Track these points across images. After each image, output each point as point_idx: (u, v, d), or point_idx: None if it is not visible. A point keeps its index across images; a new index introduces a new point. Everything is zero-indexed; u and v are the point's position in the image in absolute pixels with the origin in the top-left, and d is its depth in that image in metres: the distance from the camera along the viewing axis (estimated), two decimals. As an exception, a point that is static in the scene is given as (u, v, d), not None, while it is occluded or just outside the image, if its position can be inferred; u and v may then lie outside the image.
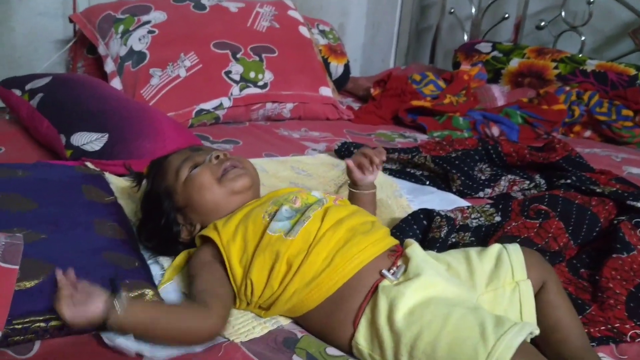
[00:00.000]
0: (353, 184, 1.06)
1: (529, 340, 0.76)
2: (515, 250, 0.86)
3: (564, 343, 0.80)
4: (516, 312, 0.81)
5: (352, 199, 1.05)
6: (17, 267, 0.77)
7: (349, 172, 1.06)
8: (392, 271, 0.80)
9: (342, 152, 1.54)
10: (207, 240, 0.88)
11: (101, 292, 0.71)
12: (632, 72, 2.15)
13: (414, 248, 0.85)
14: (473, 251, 0.87)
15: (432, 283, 0.78)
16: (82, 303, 0.69)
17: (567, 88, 2.16)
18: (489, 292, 0.82)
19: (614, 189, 1.25)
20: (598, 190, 1.25)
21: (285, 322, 0.83)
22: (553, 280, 0.86)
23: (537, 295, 0.84)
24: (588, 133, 2.07)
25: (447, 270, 0.84)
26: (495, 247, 0.87)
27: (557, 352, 0.79)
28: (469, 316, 0.73)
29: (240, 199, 0.94)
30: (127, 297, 0.73)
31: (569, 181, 1.32)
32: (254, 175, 0.98)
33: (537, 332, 0.76)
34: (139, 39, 1.83)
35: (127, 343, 0.72)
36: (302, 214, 0.86)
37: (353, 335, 0.77)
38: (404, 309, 0.74)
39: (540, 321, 0.81)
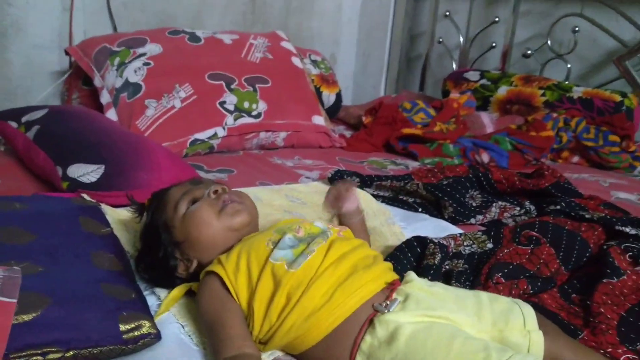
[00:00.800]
0: (339, 217, 1.08)
1: None
2: (526, 305, 0.84)
3: None
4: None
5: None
6: (14, 300, 0.77)
7: (334, 209, 1.06)
8: (384, 304, 0.80)
9: (335, 179, 1.55)
10: (212, 274, 0.88)
11: None
12: (618, 98, 2.20)
13: (414, 284, 0.84)
14: (484, 294, 0.87)
15: (433, 307, 0.79)
16: None
17: (555, 115, 2.20)
18: (495, 331, 0.81)
19: (603, 214, 1.28)
20: (587, 216, 1.27)
21: (281, 353, 0.84)
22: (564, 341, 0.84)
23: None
24: (576, 158, 2.11)
25: (455, 300, 0.83)
26: (506, 298, 0.86)
27: None
28: (473, 341, 0.73)
29: (238, 235, 0.95)
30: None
31: (558, 207, 1.34)
32: (252, 211, 0.99)
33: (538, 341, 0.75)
34: (135, 71, 1.86)
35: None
36: (307, 246, 0.87)
37: None
38: (405, 333, 0.75)
39: None
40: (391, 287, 0.85)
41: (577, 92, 2.27)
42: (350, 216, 1.07)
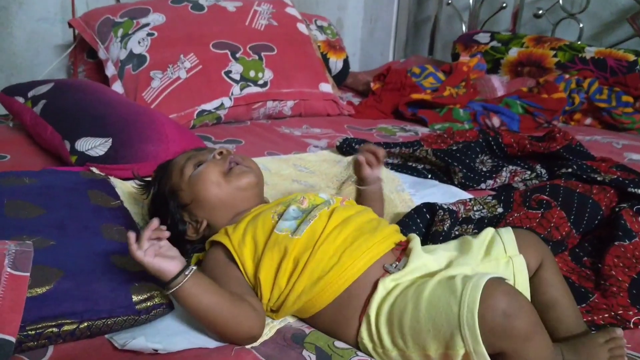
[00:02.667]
0: (360, 180, 1.06)
1: None
2: (506, 230, 0.88)
3: (559, 321, 0.82)
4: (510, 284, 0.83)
5: (361, 197, 1.06)
6: (28, 274, 0.78)
7: (357, 169, 1.05)
8: (394, 265, 0.82)
9: (344, 148, 1.55)
10: (218, 244, 0.89)
11: (181, 258, 0.77)
12: (632, 58, 2.15)
13: (415, 242, 0.87)
14: (468, 236, 0.90)
15: (423, 265, 0.81)
16: (163, 257, 0.74)
17: (567, 76, 2.16)
18: (484, 264, 0.84)
19: (615, 176, 1.26)
20: (599, 178, 1.26)
21: (292, 319, 0.85)
22: (549, 259, 0.88)
23: (535, 274, 0.86)
24: (589, 120, 2.08)
25: (446, 252, 0.86)
26: (488, 230, 0.89)
27: (553, 330, 0.81)
28: (444, 279, 0.75)
29: (245, 195, 0.95)
30: (197, 270, 0.76)
31: (570, 170, 1.32)
32: (258, 174, 1.00)
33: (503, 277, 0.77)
34: (139, 42, 1.84)
35: (141, 343, 0.74)
36: (309, 214, 0.87)
37: (358, 329, 0.79)
38: (393, 295, 0.77)
39: (536, 299, 0.83)
40: (400, 247, 0.86)
41: (590, 52, 2.23)
42: (373, 182, 1.05)
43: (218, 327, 0.76)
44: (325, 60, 2.33)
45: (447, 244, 0.90)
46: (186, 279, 0.74)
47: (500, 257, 0.85)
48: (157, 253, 0.74)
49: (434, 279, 0.76)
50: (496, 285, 0.71)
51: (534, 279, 0.85)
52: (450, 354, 0.70)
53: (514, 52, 2.38)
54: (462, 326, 0.69)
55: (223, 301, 0.76)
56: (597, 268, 1.00)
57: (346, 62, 2.47)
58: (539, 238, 0.92)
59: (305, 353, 0.76)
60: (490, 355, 0.69)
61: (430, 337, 0.71)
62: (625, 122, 1.98)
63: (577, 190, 1.18)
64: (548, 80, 2.14)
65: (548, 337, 0.73)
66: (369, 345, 0.78)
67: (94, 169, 1.21)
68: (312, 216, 0.87)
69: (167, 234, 0.77)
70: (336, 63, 2.42)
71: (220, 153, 0.98)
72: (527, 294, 0.83)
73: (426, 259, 0.83)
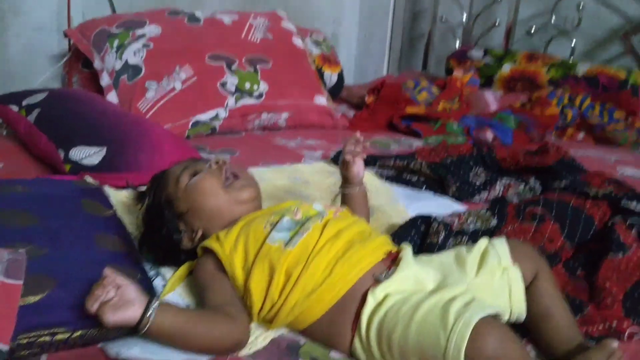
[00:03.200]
0: (345, 181, 1.08)
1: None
2: (500, 241, 0.89)
3: (555, 331, 0.82)
4: (506, 296, 0.84)
5: (347, 200, 1.07)
6: (21, 282, 0.78)
7: (344, 167, 1.07)
8: (384, 274, 0.82)
9: (338, 160, 1.54)
10: (209, 251, 0.89)
11: (141, 298, 0.75)
12: (623, 75, 2.17)
13: (405, 251, 0.87)
14: (462, 247, 0.90)
15: (413, 275, 0.81)
16: (123, 308, 0.73)
17: (559, 92, 2.18)
18: (480, 277, 0.84)
19: (608, 191, 1.27)
20: (592, 192, 1.26)
21: (286, 330, 0.84)
22: (545, 270, 0.88)
23: (530, 285, 0.86)
24: (581, 136, 2.09)
25: (439, 265, 0.86)
26: (482, 241, 0.89)
27: (548, 340, 0.81)
28: (439, 304, 0.75)
29: (244, 208, 0.95)
30: (159, 306, 0.75)
31: (563, 184, 1.33)
32: (257, 186, 1.01)
33: (496, 312, 0.77)
34: (134, 53, 1.84)
35: (133, 353, 0.73)
36: (302, 226, 0.87)
37: (352, 341, 0.79)
38: (388, 304, 0.77)
39: (531, 309, 0.84)
40: (390, 257, 0.87)
41: (582, 69, 2.25)
42: (358, 183, 1.07)
43: (198, 347, 0.77)
44: (320, 73, 2.34)
45: (442, 255, 0.90)
46: (151, 318, 0.73)
47: (495, 269, 0.85)
48: (114, 307, 0.73)
49: (428, 302, 0.76)
50: (487, 326, 0.71)
51: (530, 289, 0.85)
52: None
53: (506, 68, 2.40)
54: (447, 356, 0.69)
55: (195, 323, 0.77)
56: (591, 281, 1.00)
57: (341, 76, 2.48)
58: (533, 249, 0.93)
59: (300, 363, 0.76)
60: None
61: (417, 358, 0.72)
62: (618, 137, 2.00)
63: (571, 204, 1.19)
64: (541, 96, 2.16)
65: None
66: (362, 356, 0.78)
67: (88, 178, 1.21)
68: (305, 229, 0.87)
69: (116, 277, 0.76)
70: (331, 76, 2.43)
71: (217, 163, 0.98)
72: (522, 304, 0.84)
73: (416, 269, 0.83)
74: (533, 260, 0.88)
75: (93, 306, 0.73)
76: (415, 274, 0.82)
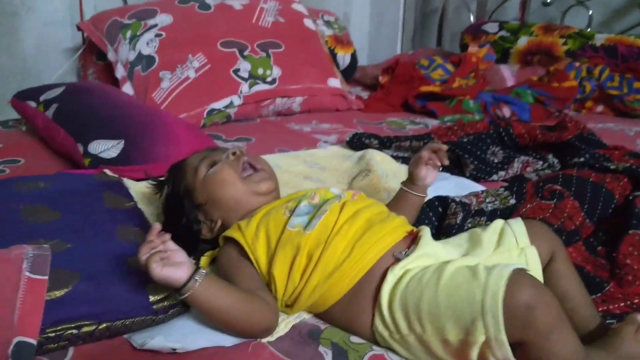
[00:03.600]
0: (410, 180, 1.04)
1: None
2: (516, 221, 0.88)
3: (573, 312, 0.81)
4: None
5: (400, 199, 1.04)
6: (46, 277, 0.79)
7: (414, 165, 1.03)
8: (404, 252, 0.82)
9: (354, 143, 1.55)
10: (231, 240, 0.90)
11: (189, 263, 0.76)
12: (643, 44, 2.13)
13: (424, 231, 0.87)
14: (478, 228, 0.90)
15: (433, 252, 0.81)
16: (171, 266, 0.74)
17: (577, 64, 2.14)
18: (496, 256, 0.84)
19: (628, 164, 1.25)
20: (612, 166, 1.25)
21: (307, 315, 0.85)
22: (561, 251, 0.88)
23: (547, 266, 0.86)
24: (600, 108, 2.06)
25: (457, 245, 0.87)
26: (497, 221, 0.89)
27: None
28: (462, 266, 0.76)
29: (262, 200, 0.96)
30: (207, 273, 0.76)
31: (582, 159, 1.31)
32: (275, 178, 1.01)
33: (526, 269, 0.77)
34: (147, 43, 1.85)
35: (159, 342, 0.75)
36: (319, 209, 0.88)
37: (372, 321, 0.79)
38: (408, 277, 0.77)
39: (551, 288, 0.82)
40: (410, 236, 0.87)
41: (600, 39, 2.21)
42: (420, 189, 1.04)
43: (232, 325, 0.77)
44: (333, 55, 2.32)
45: (457, 237, 0.90)
46: (197, 284, 0.75)
47: (512, 249, 0.85)
48: (164, 262, 0.74)
49: (451, 265, 0.76)
50: (520, 276, 0.71)
51: (546, 270, 0.85)
52: (469, 340, 0.70)
53: (523, 41, 2.36)
54: (485, 313, 0.68)
55: (236, 300, 0.78)
56: (612, 257, 0.99)
57: (354, 57, 2.46)
58: (550, 229, 0.92)
59: (321, 349, 0.77)
60: (509, 345, 0.69)
61: (451, 322, 0.71)
62: (637, 108, 1.96)
63: (590, 180, 1.17)
64: (558, 69, 2.12)
65: (573, 333, 0.72)
66: (385, 333, 0.77)
67: (108, 171, 1.23)
68: (323, 210, 0.87)
69: (169, 236, 0.78)
70: (344, 58, 2.42)
71: (234, 153, 0.99)
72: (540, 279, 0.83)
73: (436, 247, 0.83)
74: (550, 240, 0.87)
75: (144, 255, 0.74)
76: (435, 251, 0.83)
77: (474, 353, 0.70)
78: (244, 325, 0.77)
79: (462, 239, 0.88)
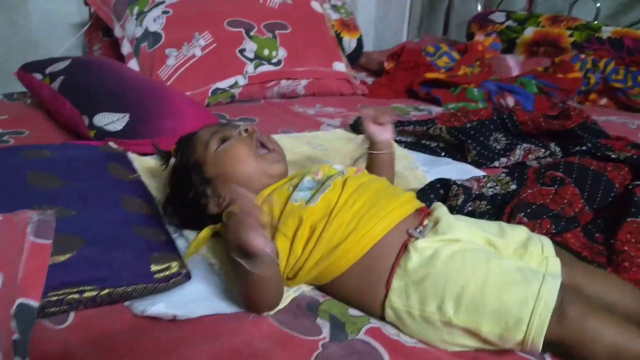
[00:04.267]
0: (370, 142, 1.07)
1: None
2: (543, 236, 0.87)
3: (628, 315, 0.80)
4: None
5: (371, 163, 1.07)
6: (50, 241, 0.80)
7: (364, 127, 1.07)
8: (419, 230, 0.82)
9: (358, 127, 1.55)
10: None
11: (269, 241, 0.75)
12: (649, 37, 2.12)
13: (442, 210, 0.86)
14: (505, 223, 0.89)
15: (463, 231, 0.81)
16: (267, 240, 0.73)
17: (583, 56, 2.14)
18: (515, 257, 0.83)
19: (629, 154, 1.25)
20: (613, 156, 1.25)
21: (307, 288, 0.86)
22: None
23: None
24: (604, 101, 2.06)
25: (480, 225, 0.86)
26: (524, 227, 0.89)
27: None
28: (507, 263, 0.77)
29: (272, 181, 0.96)
30: (276, 251, 0.77)
31: (584, 148, 1.32)
32: (285, 160, 1.01)
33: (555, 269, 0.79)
34: (154, 20, 1.85)
35: (158, 309, 0.76)
36: (323, 184, 0.88)
37: (386, 295, 0.78)
38: (442, 257, 0.77)
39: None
40: (421, 213, 0.87)
41: (607, 31, 2.20)
42: (383, 146, 1.06)
43: (261, 297, 0.78)
44: (339, 39, 2.32)
45: (483, 222, 0.90)
46: (275, 259, 0.75)
47: (535, 256, 0.83)
48: (262, 234, 0.72)
49: (496, 261, 0.76)
50: (568, 296, 0.73)
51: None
52: (505, 336, 0.72)
53: (529, 32, 2.35)
54: (534, 317, 0.71)
55: (278, 279, 0.79)
56: (610, 244, 1.00)
57: (360, 42, 2.46)
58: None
59: (319, 321, 0.78)
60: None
61: (492, 317, 0.72)
62: (641, 102, 1.96)
63: (591, 168, 1.18)
64: (564, 60, 2.12)
65: (610, 316, 0.73)
66: (401, 306, 0.77)
67: (112, 144, 1.23)
68: (327, 186, 0.87)
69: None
70: (350, 42, 2.42)
71: (246, 130, 0.98)
72: None
73: (461, 226, 0.82)
74: (573, 267, 0.85)
75: (248, 222, 0.72)
76: (464, 232, 0.82)
77: (500, 343, 0.72)
78: (262, 301, 0.78)
79: (489, 224, 0.87)
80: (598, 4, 2.41)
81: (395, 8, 3.05)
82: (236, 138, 0.97)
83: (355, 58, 2.44)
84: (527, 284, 0.73)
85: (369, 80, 2.28)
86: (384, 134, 1.06)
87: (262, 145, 0.99)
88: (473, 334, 0.73)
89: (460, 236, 0.81)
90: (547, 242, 0.86)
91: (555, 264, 0.82)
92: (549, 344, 0.72)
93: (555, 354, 0.74)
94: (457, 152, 1.43)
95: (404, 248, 0.80)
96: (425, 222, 0.84)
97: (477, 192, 1.14)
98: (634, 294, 0.83)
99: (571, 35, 2.25)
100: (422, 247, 0.79)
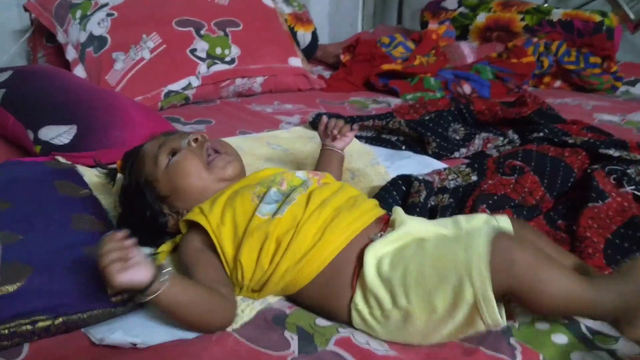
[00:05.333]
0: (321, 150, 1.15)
1: None
2: (503, 218, 0.87)
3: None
4: None
5: (322, 156, 1.13)
6: (-4, 272, 0.76)
7: (320, 129, 1.15)
8: (380, 234, 0.82)
9: (317, 123, 1.52)
10: (194, 225, 0.87)
11: (149, 262, 0.71)
12: (598, 18, 2.16)
13: (399, 212, 0.87)
14: (461, 216, 0.89)
15: (413, 229, 0.81)
16: (132, 269, 0.69)
17: (535, 39, 2.16)
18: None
19: (586, 138, 1.27)
20: (570, 141, 1.27)
21: (273, 299, 0.84)
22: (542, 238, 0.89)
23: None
24: (558, 83, 2.09)
25: (436, 224, 0.86)
26: (483, 214, 0.89)
27: None
28: (444, 235, 0.78)
29: (229, 184, 0.93)
30: (171, 273, 0.73)
31: (541, 134, 1.33)
32: (239, 159, 0.98)
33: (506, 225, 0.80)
34: (98, 23, 1.78)
35: (119, 338, 0.72)
36: (288, 197, 0.87)
37: (351, 298, 0.78)
38: (388, 256, 0.77)
39: None
40: (382, 221, 0.86)
41: (557, 14, 2.23)
42: (332, 150, 1.13)
43: (191, 322, 0.75)
44: (293, 33, 2.29)
45: (440, 220, 0.89)
46: (164, 286, 0.71)
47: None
48: (122, 266, 0.69)
49: (435, 238, 0.78)
50: (500, 234, 0.73)
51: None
52: (458, 302, 0.70)
53: (482, 18, 2.37)
54: (471, 270, 0.69)
55: (198, 299, 0.75)
56: (572, 230, 1.01)
57: (314, 35, 2.43)
58: (535, 230, 0.94)
59: (287, 334, 0.76)
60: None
61: (439, 288, 0.71)
62: (594, 82, 2.00)
63: (549, 154, 1.19)
64: (517, 45, 2.14)
65: (560, 268, 0.72)
66: (365, 310, 0.76)
67: (60, 158, 1.18)
68: (291, 199, 0.86)
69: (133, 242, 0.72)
70: (304, 36, 2.38)
71: (196, 140, 0.95)
72: None
73: (413, 223, 0.83)
74: (533, 233, 0.89)
75: (103, 262, 0.69)
76: (417, 228, 0.82)
77: (461, 315, 0.70)
78: (201, 322, 0.75)
79: (445, 222, 0.87)
80: (547, -13, 2.45)
81: (348, -1, 3.03)
82: (186, 150, 0.94)
83: (310, 52, 2.41)
84: (458, 243, 0.73)
85: (326, 74, 2.25)
86: (341, 142, 1.14)
87: (215, 152, 0.96)
88: (434, 313, 0.72)
89: (409, 227, 0.82)
90: (506, 224, 0.85)
91: (505, 220, 0.84)
92: (504, 298, 0.72)
93: (527, 349, 0.74)
94: (418, 145, 1.42)
95: (362, 253, 0.79)
96: (388, 229, 0.84)
97: (439, 186, 1.14)
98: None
99: (522, 20, 2.27)
100: (379, 249, 0.79)
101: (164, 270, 0.72)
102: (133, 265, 0.69)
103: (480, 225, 0.81)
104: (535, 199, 1.10)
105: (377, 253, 0.78)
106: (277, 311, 0.81)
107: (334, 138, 1.13)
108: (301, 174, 0.93)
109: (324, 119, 1.15)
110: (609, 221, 1.01)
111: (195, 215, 0.87)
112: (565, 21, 2.20)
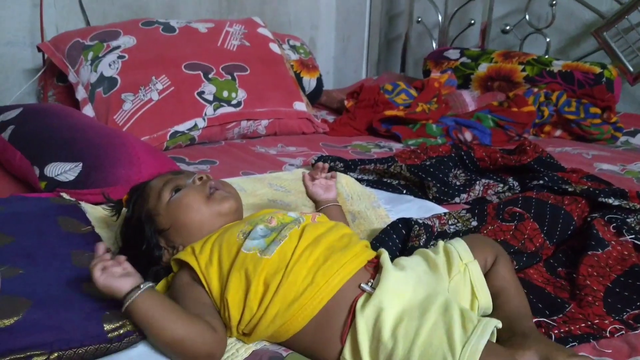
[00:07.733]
0: (315, 203, 1.13)
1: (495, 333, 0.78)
2: (457, 240, 0.91)
3: (505, 303, 0.86)
4: (469, 290, 0.86)
5: (325, 214, 1.07)
6: (-6, 305, 0.76)
7: (306, 191, 1.14)
8: (369, 283, 0.81)
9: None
10: (185, 264, 0.88)
11: (137, 276, 0.79)
12: (597, 70, 2.21)
13: (383, 257, 0.85)
14: (427, 250, 0.92)
15: (402, 290, 0.79)
16: (116, 276, 0.77)
17: (535, 89, 2.20)
18: (452, 280, 0.86)
19: (586, 187, 1.28)
20: (570, 189, 1.27)
21: (268, 343, 0.83)
22: (503, 255, 0.92)
23: (491, 268, 0.90)
24: (558, 132, 2.12)
25: (415, 271, 0.85)
26: (440, 243, 0.92)
27: (498, 309, 0.86)
28: (439, 324, 0.73)
29: (225, 220, 0.94)
30: (151, 287, 0.78)
31: (541, 182, 1.34)
32: (238, 199, 0.99)
33: (499, 325, 0.76)
34: (109, 65, 1.83)
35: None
36: (279, 233, 0.86)
37: (341, 351, 0.77)
38: (388, 320, 0.75)
39: (489, 288, 0.88)
40: (372, 264, 0.86)
41: (557, 65, 2.28)
42: (327, 202, 1.12)
43: (171, 345, 0.75)
44: (299, 79, 2.34)
45: (412, 259, 0.89)
46: (137, 294, 0.75)
47: (461, 268, 0.87)
48: (108, 272, 0.77)
49: (428, 322, 0.74)
50: (493, 349, 0.71)
51: (490, 272, 0.90)
52: None
53: (483, 68, 2.42)
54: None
55: (176, 318, 0.76)
56: (572, 278, 1.00)
57: (319, 81, 2.48)
58: (490, 239, 0.99)
59: (283, 376, 0.75)
60: None
61: None
62: (594, 132, 2.02)
63: (549, 202, 1.19)
64: (517, 94, 2.18)
65: None
66: None
67: (64, 195, 1.19)
68: (283, 236, 0.85)
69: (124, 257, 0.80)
70: (310, 82, 2.44)
71: (201, 178, 0.97)
72: (488, 298, 0.86)
73: (397, 278, 0.81)
74: (492, 247, 0.92)
75: (94, 263, 0.77)
76: (399, 286, 0.80)
77: None
78: (182, 347, 0.75)
79: (419, 264, 0.87)
80: (548, 39, 2.51)
81: (353, 47, 3.11)
82: (189, 187, 0.96)
83: (315, 97, 2.46)
84: (449, 351, 0.70)
85: (330, 118, 2.29)
86: (325, 193, 1.12)
87: (217, 190, 0.97)
88: None
89: (398, 288, 0.79)
90: (462, 248, 0.89)
91: (474, 268, 0.87)
92: None
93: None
94: (418, 190, 1.44)
95: (354, 306, 0.78)
96: (377, 276, 0.82)
97: (439, 230, 1.14)
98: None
99: (523, 70, 2.32)
100: (368, 311, 0.77)
101: (146, 283, 0.77)
102: (121, 275, 0.77)
103: (459, 289, 0.85)
104: (535, 246, 1.10)
105: (367, 317, 0.76)
106: (273, 353, 0.80)
107: (328, 188, 1.13)
108: (293, 213, 0.94)
109: (307, 184, 1.13)
110: (609, 269, 1.01)
111: (186, 255, 0.88)
112: (565, 72, 2.24)
